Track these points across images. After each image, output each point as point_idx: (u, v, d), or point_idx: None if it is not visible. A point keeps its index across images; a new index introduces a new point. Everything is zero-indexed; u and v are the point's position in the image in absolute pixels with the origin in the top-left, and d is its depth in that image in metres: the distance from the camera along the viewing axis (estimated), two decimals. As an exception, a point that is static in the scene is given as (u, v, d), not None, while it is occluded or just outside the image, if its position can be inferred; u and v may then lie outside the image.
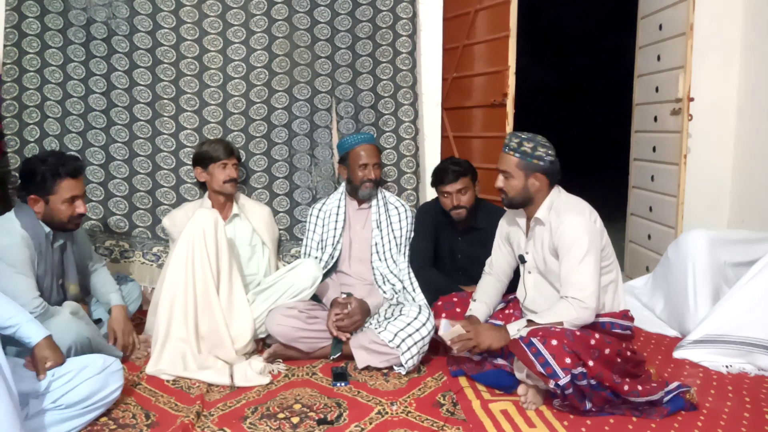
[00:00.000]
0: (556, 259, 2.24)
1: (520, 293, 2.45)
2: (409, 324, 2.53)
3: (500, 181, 2.32)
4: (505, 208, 2.48)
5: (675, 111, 3.55)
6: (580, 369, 2.01)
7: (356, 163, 2.88)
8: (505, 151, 2.30)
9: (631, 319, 2.30)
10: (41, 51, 3.05)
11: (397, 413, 2.18)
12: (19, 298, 2.09)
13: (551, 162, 2.25)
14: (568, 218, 2.20)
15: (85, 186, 3.09)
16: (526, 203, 2.32)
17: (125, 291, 2.78)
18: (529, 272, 2.38)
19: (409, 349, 2.48)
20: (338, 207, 2.98)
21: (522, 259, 2.40)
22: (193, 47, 3.15)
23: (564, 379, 1.99)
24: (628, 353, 2.19)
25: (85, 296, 2.64)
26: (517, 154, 2.26)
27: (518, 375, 2.23)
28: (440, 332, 2.37)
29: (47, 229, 2.36)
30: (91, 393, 1.99)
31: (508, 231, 2.50)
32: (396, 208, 2.99)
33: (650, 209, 3.90)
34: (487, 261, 2.61)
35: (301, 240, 3.09)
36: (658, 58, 3.76)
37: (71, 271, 2.49)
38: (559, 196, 2.31)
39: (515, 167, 2.27)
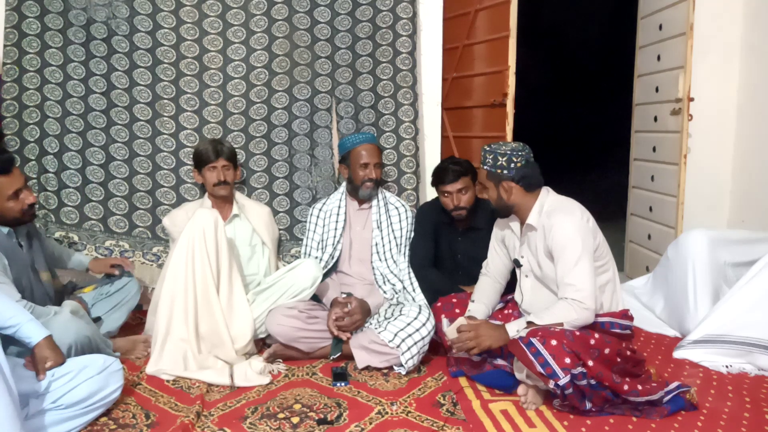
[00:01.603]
0: (551, 262, 2.24)
1: (517, 296, 2.46)
2: (409, 324, 2.53)
3: (483, 193, 2.42)
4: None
5: (675, 111, 3.55)
6: (579, 369, 2.01)
7: (357, 163, 2.88)
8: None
9: (631, 318, 2.30)
10: (41, 51, 3.05)
11: (397, 413, 2.18)
12: None
13: (517, 169, 2.27)
14: (559, 220, 2.21)
15: (85, 186, 3.11)
16: (509, 211, 2.36)
17: (121, 284, 2.74)
18: (526, 276, 2.39)
19: (409, 349, 2.48)
20: (339, 207, 2.98)
21: (517, 263, 2.41)
22: (193, 47, 3.15)
23: (564, 379, 1.99)
24: (628, 353, 2.19)
25: (59, 285, 2.60)
26: (485, 167, 2.34)
27: (518, 375, 2.23)
28: (443, 329, 2.41)
29: (5, 229, 2.31)
30: (91, 393, 1.98)
31: (503, 234, 2.51)
32: (396, 208, 2.99)
33: (650, 209, 3.90)
34: (484, 262, 2.62)
35: (301, 240, 3.09)
36: (658, 58, 3.76)
37: (39, 260, 2.46)
38: (547, 198, 2.31)
39: (485, 179, 2.36)
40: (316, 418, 2.14)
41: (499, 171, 2.29)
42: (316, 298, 2.79)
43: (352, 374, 2.52)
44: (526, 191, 2.30)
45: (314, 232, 2.99)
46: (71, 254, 2.86)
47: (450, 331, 2.32)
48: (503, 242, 2.52)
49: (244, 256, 2.93)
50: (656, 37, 3.79)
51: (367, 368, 2.55)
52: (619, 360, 2.13)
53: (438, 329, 2.55)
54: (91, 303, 2.65)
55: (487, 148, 2.34)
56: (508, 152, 2.29)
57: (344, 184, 3.02)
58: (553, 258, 2.22)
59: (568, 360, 1.99)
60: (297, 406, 2.23)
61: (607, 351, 2.09)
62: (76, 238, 3.08)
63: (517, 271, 2.44)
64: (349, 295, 2.75)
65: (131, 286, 2.77)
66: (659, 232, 3.78)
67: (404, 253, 2.93)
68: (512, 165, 2.28)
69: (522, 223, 2.37)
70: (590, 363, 2.03)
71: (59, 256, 2.81)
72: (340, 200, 2.99)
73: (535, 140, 2.82)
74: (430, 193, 3.28)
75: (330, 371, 2.52)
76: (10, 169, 2.29)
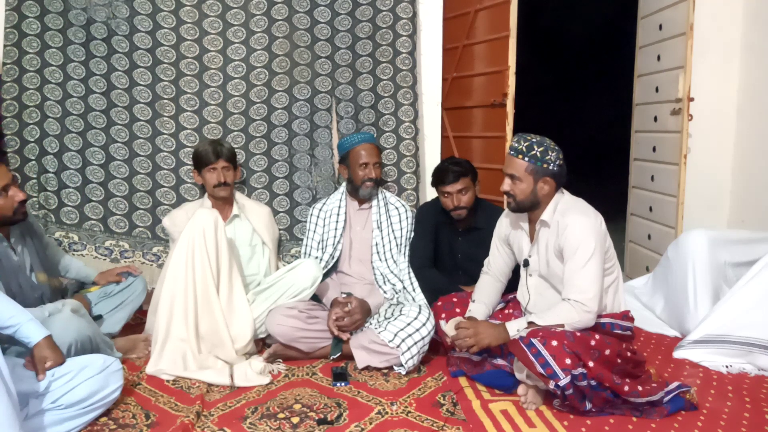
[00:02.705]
0: (560, 260, 2.23)
1: (522, 296, 2.43)
2: (409, 324, 2.53)
3: (507, 185, 2.26)
4: (510, 211, 2.41)
5: (675, 111, 3.55)
6: (580, 370, 2.01)
7: (357, 163, 2.88)
8: (512, 155, 2.24)
9: (632, 319, 2.29)
10: (41, 51, 3.05)
11: (397, 413, 2.18)
12: None
13: (560, 166, 2.23)
14: (576, 219, 2.18)
15: (85, 186, 3.11)
16: (534, 207, 2.28)
17: (127, 282, 2.72)
18: (531, 275, 2.37)
19: (409, 349, 2.48)
20: (339, 207, 2.98)
21: (525, 263, 2.38)
22: (193, 47, 3.15)
23: (564, 380, 1.99)
24: (628, 354, 2.19)
25: (58, 284, 2.57)
26: (526, 158, 2.20)
27: (518, 375, 2.23)
28: (442, 328, 2.41)
29: None
30: (91, 393, 1.98)
31: (508, 233, 2.48)
32: (396, 208, 2.99)
33: (650, 209, 3.90)
34: (486, 261, 2.61)
35: (301, 240, 3.09)
36: (658, 58, 3.76)
37: (35, 261, 2.42)
38: (562, 197, 2.29)
39: (524, 171, 2.21)
40: (316, 418, 2.14)
41: (545, 165, 2.20)
42: (316, 298, 2.79)
43: (352, 374, 2.52)
44: (555, 189, 2.27)
45: (314, 232, 2.99)
46: (70, 264, 2.76)
47: (449, 328, 2.32)
48: (507, 241, 2.50)
49: (244, 257, 2.93)
50: (656, 37, 3.79)
51: (367, 368, 2.55)
52: (619, 361, 2.13)
53: (438, 329, 2.54)
54: (95, 302, 2.64)
55: (534, 139, 2.21)
56: (556, 147, 2.23)
57: (344, 184, 3.02)
58: (563, 257, 2.20)
59: (568, 361, 1.99)
60: (297, 406, 2.23)
61: (607, 352, 2.09)
62: (76, 238, 3.09)
63: (522, 270, 2.42)
64: (349, 295, 2.75)
65: (137, 284, 2.74)
66: (659, 232, 3.78)
67: (404, 253, 2.93)
68: (557, 161, 2.22)
69: (532, 220, 2.35)
70: (591, 364, 2.02)
71: (56, 262, 2.70)
72: (340, 200, 2.99)
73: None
74: (430, 193, 3.28)
75: (330, 371, 2.52)
76: None
